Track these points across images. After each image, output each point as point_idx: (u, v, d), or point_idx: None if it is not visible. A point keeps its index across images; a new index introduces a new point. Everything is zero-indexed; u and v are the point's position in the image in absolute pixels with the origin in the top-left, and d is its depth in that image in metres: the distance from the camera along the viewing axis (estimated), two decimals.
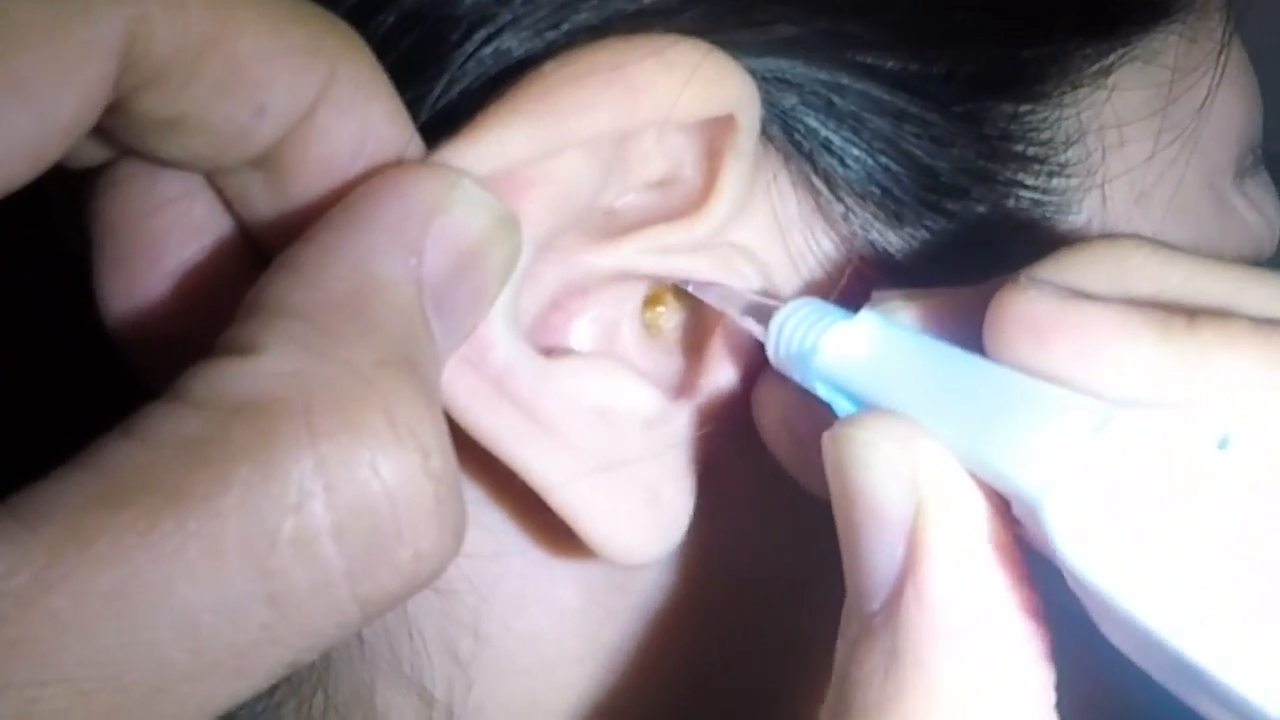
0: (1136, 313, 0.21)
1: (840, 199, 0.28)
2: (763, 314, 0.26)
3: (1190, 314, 0.21)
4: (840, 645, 0.23)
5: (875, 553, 0.22)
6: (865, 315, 0.25)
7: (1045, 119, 0.29)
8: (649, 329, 0.28)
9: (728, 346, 0.28)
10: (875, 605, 0.22)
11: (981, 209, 0.29)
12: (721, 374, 0.28)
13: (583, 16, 0.25)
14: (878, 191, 0.28)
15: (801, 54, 0.27)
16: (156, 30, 0.19)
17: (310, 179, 0.23)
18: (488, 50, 0.25)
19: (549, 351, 0.26)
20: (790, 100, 0.27)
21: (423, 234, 0.21)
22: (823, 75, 0.27)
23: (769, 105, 0.26)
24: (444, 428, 0.20)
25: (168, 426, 0.18)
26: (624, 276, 0.27)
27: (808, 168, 0.27)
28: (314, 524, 0.19)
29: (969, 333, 0.23)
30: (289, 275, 0.20)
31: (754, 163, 0.26)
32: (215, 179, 0.24)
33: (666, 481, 0.27)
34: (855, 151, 0.27)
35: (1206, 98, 0.32)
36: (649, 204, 0.27)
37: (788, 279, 0.28)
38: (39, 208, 0.24)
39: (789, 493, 0.27)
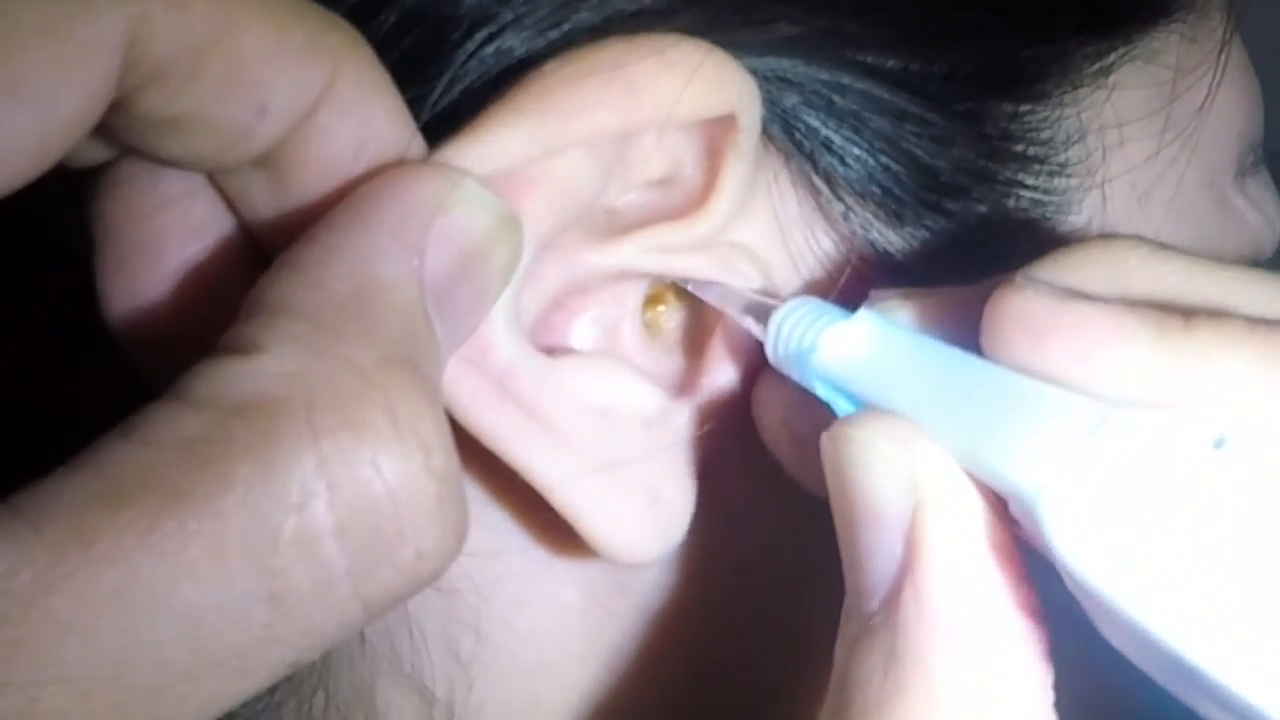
0: (1132, 313, 0.21)
1: (841, 198, 0.28)
2: (762, 313, 0.26)
3: (1186, 314, 0.21)
4: (839, 645, 0.23)
5: (874, 552, 0.22)
6: (863, 315, 0.25)
7: (1045, 119, 0.30)
8: (650, 328, 0.28)
9: (728, 346, 0.28)
10: (874, 605, 0.22)
11: (982, 209, 0.29)
12: (722, 373, 0.28)
13: (584, 16, 0.25)
14: (878, 191, 0.28)
15: (802, 53, 0.27)
16: (158, 29, 0.19)
17: (312, 178, 0.23)
18: (489, 49, 0.25)
19: (550, 351, 0.26)
20: (791, 99, 0.27)
21: (424, 233, 0.21)
22: (823, 74, 0.27)
23: (770, 104, 0.26)
24: (446, 426, 0.20)
25: (169, 426, 0.18)
26: (625, 275, 0.27)
27: (808, 167, 0.27)
28: (316, 523, 0.19)
29: (967, 332, 0.23)
30: (291, 275, 0.20)
31: (754, 162, 0.26)
32: (217, 178, 0.24)
33: (667, 481, 0.27)
34: (856, 151, 0.27)
35: (1207, 97, 0.32)
36: (650, 203, 0.27)
37: (788, 278, 0.28)
38: (40, 207, 0.24)
39: (789, 492, 0.27)
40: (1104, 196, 0.30)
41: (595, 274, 0.26)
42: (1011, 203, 0.29)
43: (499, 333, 0.25)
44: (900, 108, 0.27)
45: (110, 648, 0.17)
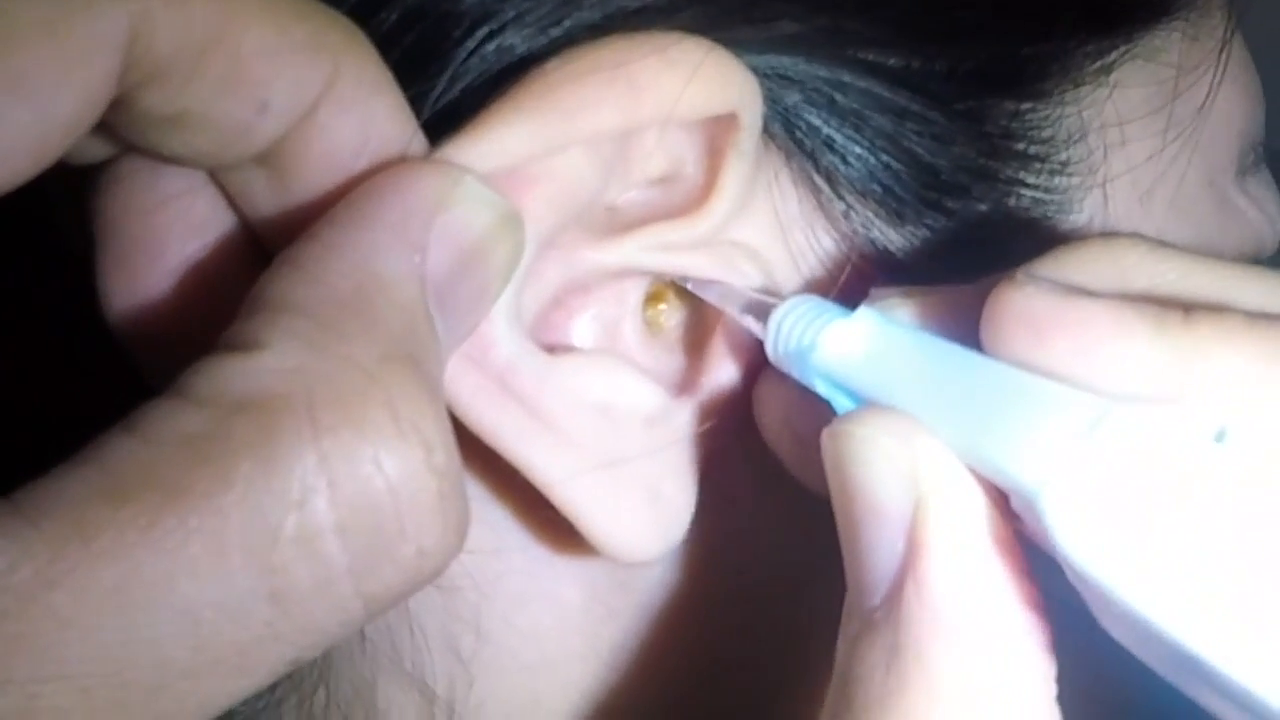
0: (1132, 309, 0.21)
1: (841, 197, 0.28)
2: (761, 311, 0.26)
3: (1186, 309, 0.21)
4: (841, 641, 0.23)
5: (875, 548, 0.22)
6: (863, 312, 0.25)
7: (1046, 117, 0.30)
8: (650, 326, 0.28)
9: (729, 344, 0.28)
10: (876, 601, 0.22)
11: (982, 207, 0.29)
12: (722, 371, 0.28)
13: (585, 13, 0.25)
14: (879, 189, 0.28)
15: (803, 51, 0.27)
16: (159, 26, 0.19)
17: (313, 176, 0.23)
18: (490, 47, 0.25)
19: (551, 348, 0.26)
20: (792, 98, 0.27)
21: (426, 231, 0.21)
22: (824, 73, 0.27)
23: (771, 103, 0.26)
24: (447, 424, 0.20)
25: (170, 423, 0.18)
26: (625, 273, 0.27)
27: (809, 165, 0.27)
28: (317, 520, 0.18)
29: (966, 330, 0.23)
30: (292, 272, 0.20)
31: (755, 160, 0.26)
32: (218, 176, 0.24)
33: (668, 479, 0.27)
34: (857, 149, 0.27)
35: (1208, 96, 0.32)
36: (650, 201, 0.27)
37: (788, 277, 0.28)
38: (41, 205, 0.24)
39: (790, 491, 0.27)
40: (1105, 195, 0.30)
41: (596, 272, 0.26)
42: (1012, 201, 0.29)
43: (500, 330, 0.25)
44: (901, 106, 0.27)
45: (111, 644, 0.17)
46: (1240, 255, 0.34)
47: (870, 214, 0.28)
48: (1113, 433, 0.20)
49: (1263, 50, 0.36)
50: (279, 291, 0.20)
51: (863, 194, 0.28)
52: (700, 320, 0.29)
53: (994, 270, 0.24)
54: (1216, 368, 0.21)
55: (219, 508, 0.18)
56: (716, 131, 0.26)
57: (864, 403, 0.24)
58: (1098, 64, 0.30)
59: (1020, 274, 0.22)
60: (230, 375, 0.19)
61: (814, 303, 0.26)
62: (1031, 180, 0.29)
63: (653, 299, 0.28)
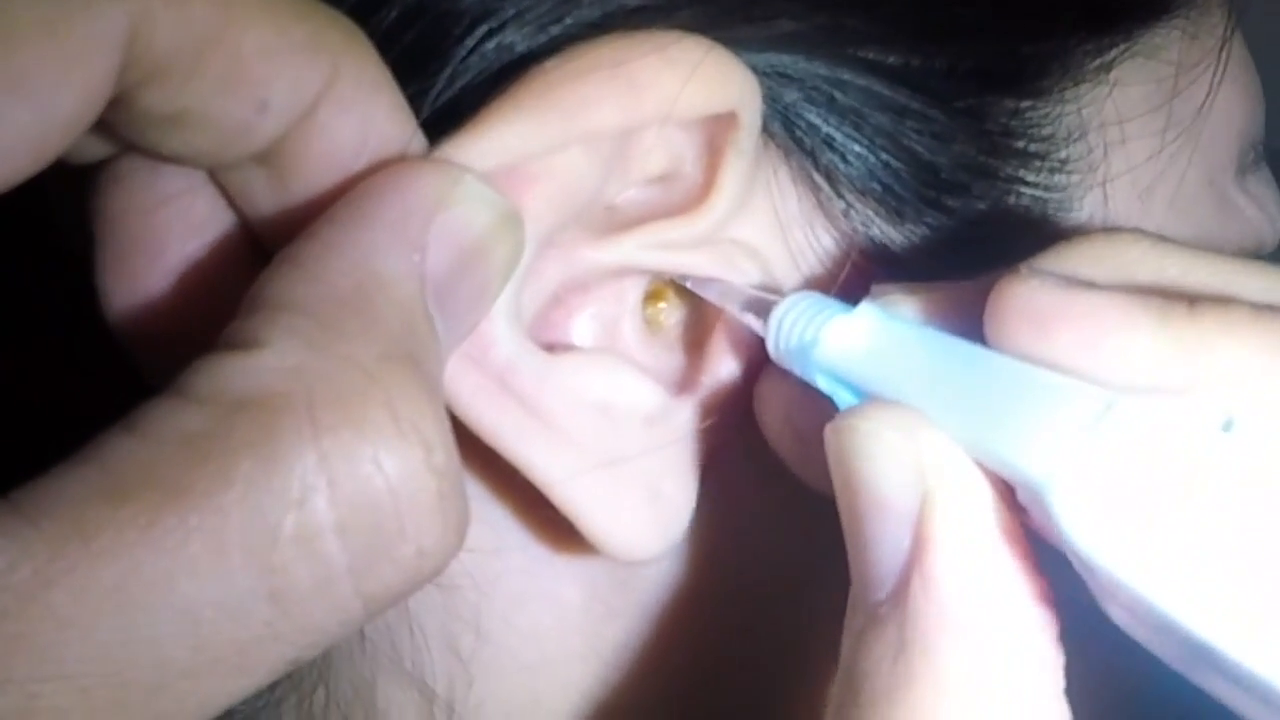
0: (1137, 301, 0.21)
1: (841, 195, 0.28)
2: (762, 309, 0.26)
3: (1190, 301, 0.21)
4: (846, 637, 0.23)
5: (881, 542, 0.22)
6: (865, 308, 0.25)
7: (1046, 115, 0.29)
8: (650, 325, 0.28)
9: (729, 342, 0.28)
10: (881, 595, 0.22)
11: (982, 205, 0.29)
12: (722, 370, 0.28)
13: (585, 12, 0.25)
14: (879, 188, 0.28)
15: (803, 49, 0.27)
16: (159, 25, 0.19)
17: (313, 175, 0.23)
18: (490, 45, 0.25)
19: (550, 347, 0.26)
20: (791, 96, 0.27)
21: (425, 230, 0.21)
22: (824, 71, 0.27)
23: (770, 101, 0.26)
24: (447, 423, 0.20)
25: (170, 422, 0.18)
26: (625, 272, 0.27)
27: (809, 164, 0.27)
28: (316, 520, 0.18)
29: (969, 325, 0.23)
30: (291, 271, 0.20)
31: (755, 159, 0.26)
32: (217, 175, 0.24)
33: (668, 477, 0.27)
34: (856, 148, 0.27)
35: (1208, 94, 0.32)
36: (650, 200, 0.27)
37: (788, 275, 0.28)
38: (40, 204, 0.24)
39: (791, 489, 0.27)
40: (1105, 193, 0.30)
41: (595, 270, 0.26)
42: (1012, 199, 0.29)
43: (500, 329, 0.25)
44: (901, 104, 0.27)
45: (110, 644, 0.17)
46: (1240, 253, 0.34)
47: (870, 212, 0.28)
48: (1119, 423, 0.21)
49: (1263, 50, 0.36)
50: (279, 290, 0.20)
51: (862, 192, 0.28)
52: (700, 319, 0.29)
53: (994, 268, 0.24)
54: (1222, 359, 0.21)
55: (219, 507, 0.18)
56: (716, 130, 0.26)
57: (867, 398, 0.24)
58: (1098, 62, 0.30)
59: (1024, 268, 0.22)
60: (230, 374, 0.19)
61: (815, 299, 0.26)
62: (1031, 178, 0.29)
63: (652, 297, 0.28)
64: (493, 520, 0.28)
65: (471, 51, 0.25)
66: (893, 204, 0.28)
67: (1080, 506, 0.20)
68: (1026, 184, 0.29)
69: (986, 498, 0.22)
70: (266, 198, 0.23)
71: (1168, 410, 0.21)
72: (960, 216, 0.29)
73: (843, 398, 0.25)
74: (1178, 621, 0.20)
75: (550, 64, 0.24)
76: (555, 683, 0.29)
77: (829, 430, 0.23)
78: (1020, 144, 0.29)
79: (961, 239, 0.29)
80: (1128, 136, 0.31)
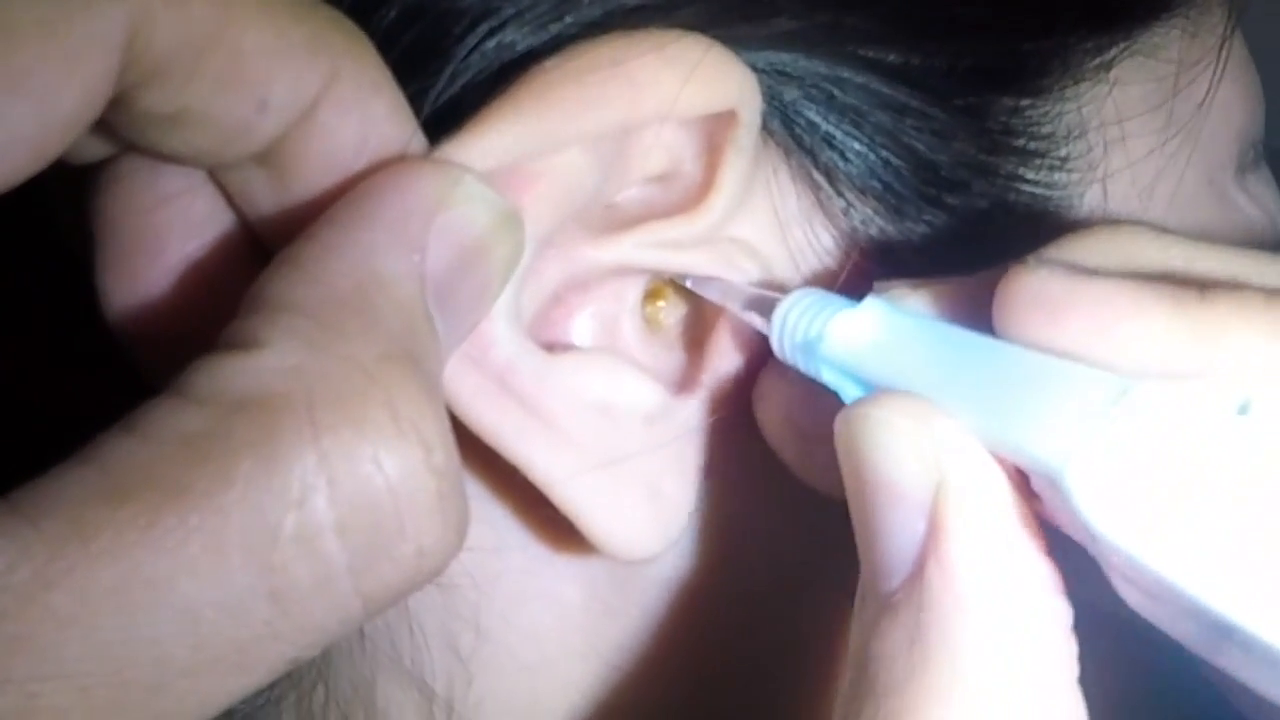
0: (1148, 287, 0.21)
1: (841, 194, 0.28)
2: (764, 307, 0.26)
3: (1201, 287, 0.21)
4: (855, 627, 0.23)
5: (893, 531, 0.22)
6: (871, 302, 0.25)
7: (1046, 113, 0.29)
8: (649, 324, 0.28)
9: (729, 341, 0.28)
10: (894, 584, 0.22)
11: (982, 203, 0.29)
12: (722, 369, 0.28)
13: (585, 10, 0.25)
14: (879, 186, 0.28)
15: (802, 48, 0.27)
16: (159, 25, 0.19)
17: (313, 175, 0.23)
18: (490, 44, 0.25)
19: (550, 347, 0.26)
20: (791, 94, 0.27)
21: (425, 230, 0.21)
22: (823, 69, 0.27)
23: (770, 99, 0.26)
24: (446, 422, 0.20)
25: (170, 422, 0.18)
26: (624, 271, 0.27)
27: (808, 162, 0.27)
28: (316, 519, 0.18)
29: (974, 319, 0.23)
30: (291, 271, 0.20)
31: (754, 157, 0.26)
32: (217, 175, 0.24)
33: (667, 477, 0.27)
34: (856, 146, 0.27)
35: (1208, 93, 0.32)
36: (649, 199, 0.27)
37: (788, 274, 0.28)
38: (40, 204, 0.24)
39: (790, 488, 0.27)
40: (1104, 191, 0.30)
41: (595, 270, 0.26)
42: (1012, 197, 0.29)
43: (499, 329, 0.25)
44: (901, 102, 0.27)
45: (110, 644, 0.17)
46: None
47: (870, 210, 0.28)
48: (1135, 407, 0.21)
49: (1263, 50, 0.36)
50: (278, 290, 0.20)
51: (862, 190, 0.28)
52: (700, 317, 0.29)
53: (994, 266, 0.24)
54: (1236, 344, 0.21)
55: (219, 506, 0.18)
56: (715, 128, 0.26)
57: (874, 391, 0.24)
58: (1097, 61, 0.30)
59: (1032, 258, 0.22)
60: (230, 374, 0.19)
61: (819, 295, 0.26)
62: (1031, 176, 0.29)
63: (652, 296, 0.28)
64: (493, 519, 0.28)
65: (472, 51, 0.25)
66: (893, 202, 0.28)
67: (1097, 489, 0.20)
68: (1026, 182, 0.29)
69: (1002, 484, 0.22)
70: (266, 198, 0.23)
71: (1183, 394, 0.21)
72: (960, 214, 0.29)
73: (849, 391, 0.25)
74: (1198, 600, 0.20)
75: (550, 63, 0.24)
76: (555, 682, 0.29)
77: (839, 420, 0.23)
78: (1020, 142, 0.29)
79: (961, 237, 0.29)
80: (1127, 135, 0.31)
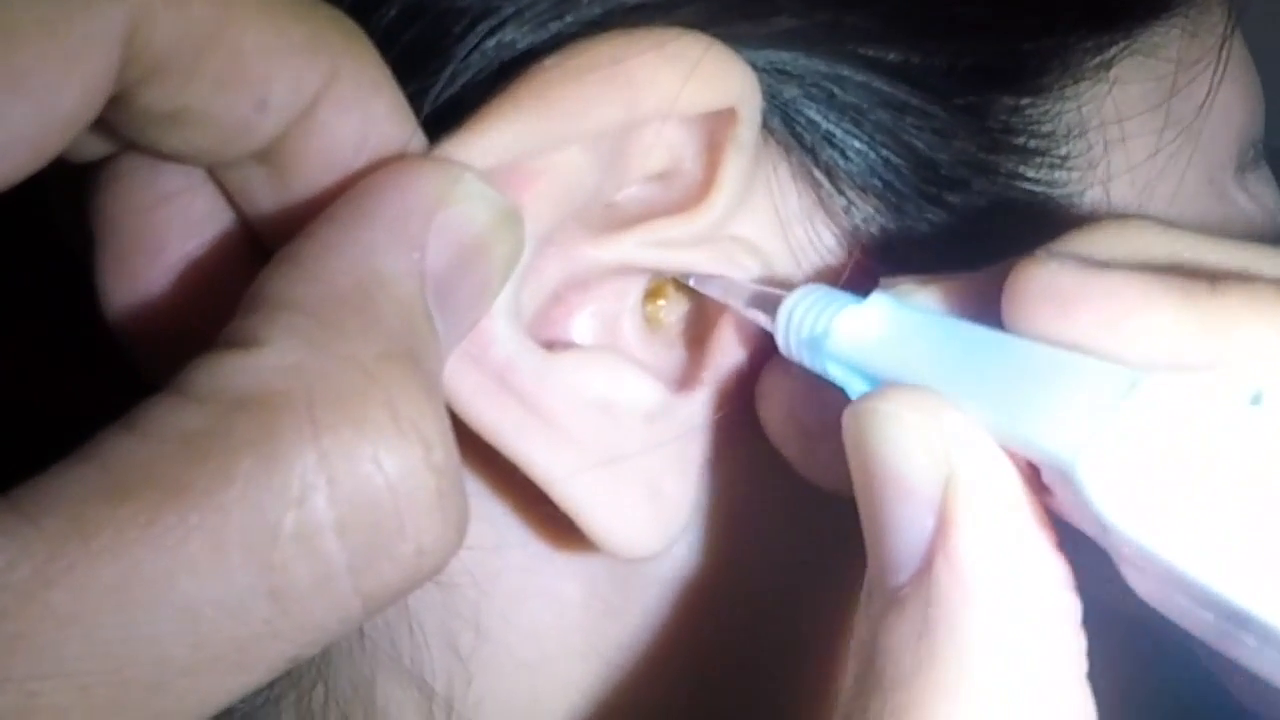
0: (1158, 280, 0.21)
1: (841, 192, 0.28)
2: (767, 304, 0.26)
3: (1212, 279, 0.21)
4: (861, 623, 0.23)
5: (901, 526, 0.22)
6: (877, 297, 0.25)
7: (1046, 112, 0.30)
8: (650, 322, 0.28)
9: (730, 339, 0.28)
10: (902, 579, 0.22)
11: (982, 202, 0.29)
12: (724, 366, 0.28)
13: (585, 9, 0.25)
14: (879, 184, 0.28)
15: (802, 46, 0.27)
16: (159, 23, 0.19)
17: (312, 173, 0.23)
18: (490, 43, 0.25)
19: (550, 345, 0.26)
20: (791, 92, 0.27)
21: (425, 228, 0.21)
22: (823, 67, 0.27)
23: (770, 98, 0.26)
24: (446, 421, 0.20)
25: (170, 420, 0.18)
26: (624, 270, 0.27)
27: (809, 160, 0.27)
28: (316, 518, 0.18)
29: (981, 314, 0.23)
30: (291, 269, 0.20)
31: (755, 155, 0.26)
32: (217, 173, 0.24)
33: (668, 475, 0.27)
34: (856, 144, 0.27)
35: (1208, 92, 0.32)
36: (650, 197, 0.27)
37: (789, 272, 0.28)
38: (40, 202, 0.24)
39: (792, 486, 0.27)
40: (1105, 190, 0.30)
41: (595, 268, 0.26)
42: (1012, 196, 0.29)
43: (499, 328, 0.25)
44: (901, 101, 0.27)
45: (110, 642, 0.17)
46: None
47: (870, 208, 0.28)
48: (1146, 398, 0.21)
49: (1263, 50, 0.36)
50: (278, 288, 0.20)
51: (863, 189, 0.28)
52: (700, 315, 0.29)
53: (995, 264, 0.24)
54: (1247, 335, 0.21)
55: (219, 505, 0.18)
56: (715, 127, 0.26)
57: (882, 385, 0.24)
58: (1097, 60, 0.30)
59: (1041, 252, 0.22)
60: (230, 372, 0.19)
61: (824, 291, 0.26)
62: (1031, 174, 0.29)
63: (652, 295, 0.28)
64: (493, 518, 0.28)
65: (472, 50, 0.25)
66: (893, 200, 0.28)
67: (1109, 480, 0.20)
68: (1026, 180, 0.29)
69: (1012, 478, 0.22)
70: (266, 196, 0.23)
71: (1194, 385, 0.21)
72: (961, 213, 0.29)
73: (856, 387, 0.25)
74: (1211, 589, 0.20)
75: (549, 62, 0.24)
76: (555, 681, 0.29)
77: (847, 415, 0.23)
78: (1020, 140, 0.29)
79: (962, 235, 0.29)
80: (1127, 134, 0.31)
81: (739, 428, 0.28)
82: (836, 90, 0.27)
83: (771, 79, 0.26)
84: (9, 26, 0.18)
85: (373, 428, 0.19)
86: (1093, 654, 0.22)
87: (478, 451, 0.25)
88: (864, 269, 0.28)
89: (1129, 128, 0.31)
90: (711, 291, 0.27)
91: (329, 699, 0.29)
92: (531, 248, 0.24)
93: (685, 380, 0.28)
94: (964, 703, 0.21)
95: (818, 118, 0.27)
